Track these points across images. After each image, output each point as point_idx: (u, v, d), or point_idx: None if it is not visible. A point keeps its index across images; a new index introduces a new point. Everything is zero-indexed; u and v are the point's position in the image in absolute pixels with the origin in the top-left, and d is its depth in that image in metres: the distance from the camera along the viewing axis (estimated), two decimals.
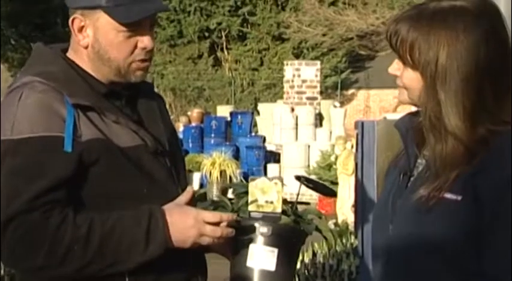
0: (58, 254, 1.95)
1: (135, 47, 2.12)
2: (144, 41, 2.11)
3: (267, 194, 2.07)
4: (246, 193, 2.10)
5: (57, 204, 1.97)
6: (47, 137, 1.99)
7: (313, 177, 14.56)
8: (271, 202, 2.07)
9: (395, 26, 1.77)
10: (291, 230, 2.11)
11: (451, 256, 1.70)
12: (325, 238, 2.23)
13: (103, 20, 2.09)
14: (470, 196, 1.68)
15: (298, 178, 2.20)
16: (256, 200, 2.08)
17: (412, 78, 1.77)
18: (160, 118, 2.26)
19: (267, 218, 2.07)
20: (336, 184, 13.01)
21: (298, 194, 2.18)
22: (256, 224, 2.07)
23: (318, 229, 2.16)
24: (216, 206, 2.16)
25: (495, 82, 1.72)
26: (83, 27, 2.11)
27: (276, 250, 2.06)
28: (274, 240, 2.06)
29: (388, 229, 1.82)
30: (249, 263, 2.07)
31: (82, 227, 1.97)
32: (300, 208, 2.22)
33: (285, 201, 2.11)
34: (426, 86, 1.73)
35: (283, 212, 2.08)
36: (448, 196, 1.70)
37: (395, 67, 1.80)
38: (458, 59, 1.70)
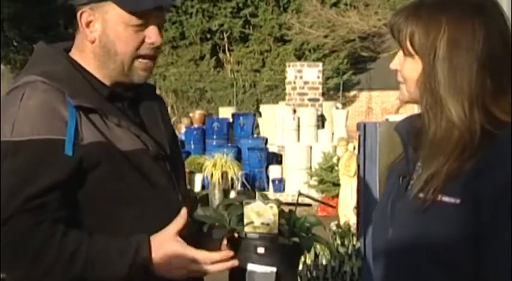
0: (39, 270, 1.94)
1: (143, 42, 2.11)
2: (152, 36, 2.10)
3: (263, 217, 2.05)
4: (242, 214, 2.07)
5: (49, 210, 1.95)
6: (48, 140, 1.97)
7: (315, 178, 14.58)
8: (268, 224, 2.05)
9: (395, 16, 1.80)
10: (288, 249, 2.09)
11: (451, 259, 1.69)
12: (327, 243, 2.21)
13: (112, 12, 2.08)
14: (469, 198, 1.67)
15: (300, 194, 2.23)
16: (252, 222, 2.06)
17: (411, 68, 1.78)
18: (162, 121, 2.24)
19: (263, 238, 2.05)
20: (338, 185, 13.02)
21: (296, 204, 2.18)
22: (253, 245, 2.05)
23: (316, 240, 2.15)
24: (213, 223, 2.13)
25: (495, 73, 1.73)
26: (91, 21, 2.10)
27: (274, 269, 2.04)
28: (271, 260, 2.04)
29: (387, 232, 1.82)
30: None
31: (68, 248, 1.95)
32: (301, 209, 2.21)
33: (282, 212, 2.09)
34: (425, 68, 1.74)
35: (280, 232, 2.06)
36: (446, 199, 1.70)
37: (396, 62, 1.82)
38: (458, 43, 1.72)
